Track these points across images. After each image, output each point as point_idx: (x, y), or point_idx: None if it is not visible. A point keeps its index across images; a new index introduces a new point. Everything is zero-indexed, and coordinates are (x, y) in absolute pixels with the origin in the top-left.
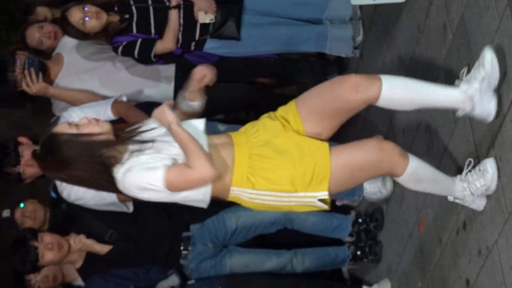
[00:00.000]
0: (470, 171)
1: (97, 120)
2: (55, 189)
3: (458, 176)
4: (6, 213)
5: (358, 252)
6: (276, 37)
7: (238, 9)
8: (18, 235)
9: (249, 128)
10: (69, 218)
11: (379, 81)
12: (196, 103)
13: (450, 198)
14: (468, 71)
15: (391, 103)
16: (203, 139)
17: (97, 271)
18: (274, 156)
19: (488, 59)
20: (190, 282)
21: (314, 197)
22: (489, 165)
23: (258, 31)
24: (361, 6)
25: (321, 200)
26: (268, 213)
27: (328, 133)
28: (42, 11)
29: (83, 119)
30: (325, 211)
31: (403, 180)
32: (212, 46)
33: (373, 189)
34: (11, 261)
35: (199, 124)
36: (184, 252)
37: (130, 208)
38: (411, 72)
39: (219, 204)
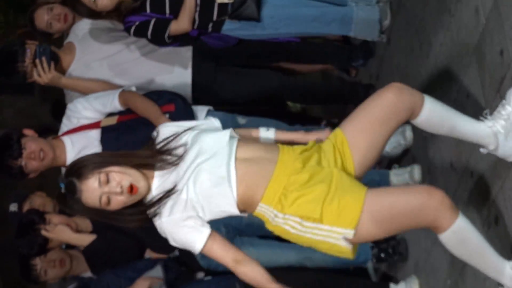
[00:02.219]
0: None
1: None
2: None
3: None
4: (13, 207)
5: (382, 255)
6: (299, 19)
7: None
8: (24, 218)
9: (299, 150)
10: None
11: (421, 94)
12: None
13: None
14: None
15: (430, 120)
16: (226, 155)
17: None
18: (312, 183)
19: None
20: (207, 278)
21: (339, 233)
22: None
23: (279, 12)
24: None
25: (346, 240)
26: None
27: (376, 152)
28: None
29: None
30: None
31: (445, 237)
32: (230, 27)
33: (400, 182)
34: (15, 254)
35: (224, 136)
36: None
37: None
38: (441, 58)
39: None
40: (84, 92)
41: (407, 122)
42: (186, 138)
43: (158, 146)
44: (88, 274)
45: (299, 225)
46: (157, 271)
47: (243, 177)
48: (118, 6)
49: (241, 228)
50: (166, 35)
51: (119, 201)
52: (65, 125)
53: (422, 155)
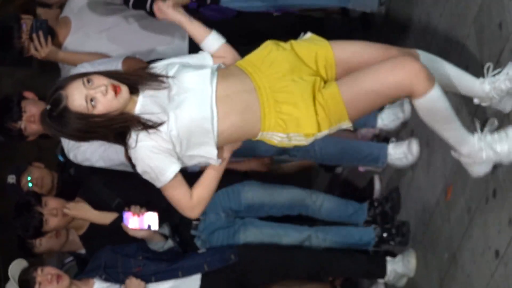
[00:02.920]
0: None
1: None
2: (62, 152)
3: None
4: (11, 179)
5: (385, 234)
6: None
7: None
8: (21, 199)
9: (261, 63)
10: (77, 183)
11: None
12: None
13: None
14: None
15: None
16: (207, 84)
17: (99, 240)
18: (298, 100)
19: None
20: (201, 250)
21: (339, 127)
22: None
23: None
24: None
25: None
26: (284, 196)
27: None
28: None
29: None
30: (340, 198)
31: (419, 104)
32: None
33: (399, 155)
34: (13, 227)
35: (206, 73)
36: (195, 222)
37: None
38: (440, 30)
39: (231, 175)
40: None
41: None
42: (171, 69)
43: (146, 72)
44: (83, 251)
45: (304, 138)
46: (163, 229)
47: (227, 116)
48: None
49: (240, 210)
50: None
51: (104, 102)
52: None
53: (420, 128)
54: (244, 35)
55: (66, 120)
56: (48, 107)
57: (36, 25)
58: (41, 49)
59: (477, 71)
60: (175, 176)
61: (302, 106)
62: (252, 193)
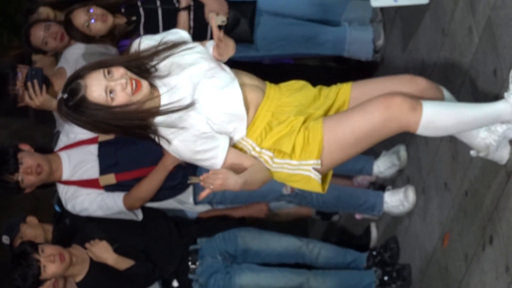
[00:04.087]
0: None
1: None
2: (59, 202)
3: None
4: (5, 240)
5: (386, 278)
6: (292, 40)
7: (251, 10)
8: (17, 249)
9: (286, 89)
10: (73, 231)
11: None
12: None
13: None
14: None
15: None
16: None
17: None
18: (289, 122)
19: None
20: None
21: (308, 165)
22: None
23: (273, 33)
24: (382, 8)
25: (316, 170)
26: (280, 244)
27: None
28: (45, 11)
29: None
30: (339, 246)
31: (422, 133)
32: None
33: (395, 203)
34: (11, 279)
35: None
36: (193, 266)
37: (139, 216)
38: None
39: (228, 221)
40: None
41: (401, 142)
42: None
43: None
44: None
45: (271, 160)
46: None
47: (246, 98)
48: (111, 31)
49: (237, 255)
50: None
51: (124, 95)
52: (62, 141)
53: (416, 175)
54: None
55: (83, 110)
56: (65, 95)
57: (31, 74)
58: (36, 98)
59: None
60: (229, 148)
61: (289, 129)
62: (249, 239)
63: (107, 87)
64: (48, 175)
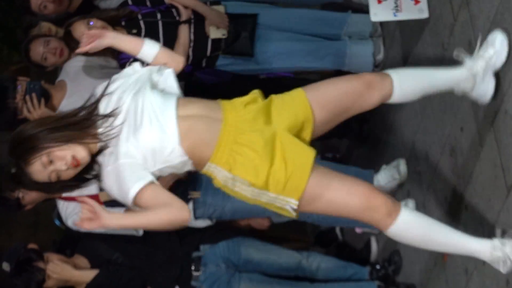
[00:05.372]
0: None
1: None
2: (59, 216)
3: None
4: (6, 267)
5: (378, 266)
6: (292, 54)
7: (251, 23)
8: (22, 255)
9: (242, 106)
10: (75, 241)
11: (389, 77)
12: None
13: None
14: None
15: (403, 96)
16: (171, 109)
17: None
18: (259, 147)
19: (499, 40)
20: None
21: (285, 200)
22: None
23: (273, 47)
24: (381, 23)
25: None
26: (281, 257)
27: (326, 129)
28: (46, 25)
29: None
30: (338, 260)
31: (388, 235)
32: (224, 62)
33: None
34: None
35: (166, 95)
36: (196, 273)
37: (139, 231)
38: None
39: (232, 229)
40: None
41: (401, 156)
42: (121, 97)
43: (89, 114)
44: None
45: (246, 187)
46: None
47: (188, 134)
48: None
49: (239, 264)
50: None
51: (68, 174)
52: None
53: (416, 189)
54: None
55: (33, 185)
56: (12, 170)
57: (30, 87)
58: (34, 111)
59: (473, 133)
60: (145, 186)
61: (259, 156)
62: (252, 250)
63: (50, 174)
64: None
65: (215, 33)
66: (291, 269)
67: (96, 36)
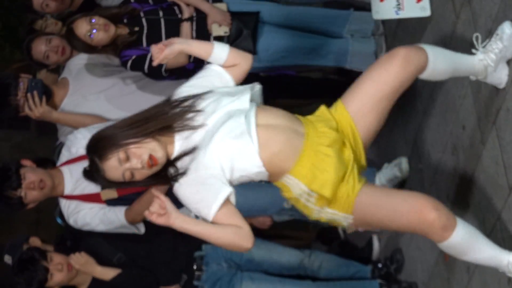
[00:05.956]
0: None
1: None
2: (61, 215)
3: None
4: (7, 259)
5: (379, 265)
6: (294, 51)
7: (253, 21)
8: (25, 254)
9: (318, 123)
10: (77, 240)
11: (424, 51)
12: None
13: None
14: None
15: (433, 73)
16: (251, 121)
17: None
18: (332, 165)
19: (508, 33)
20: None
21: (342, 216)
22: None
23: (275, 44)
24: (383, 21)
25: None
26: (284, 256)
27: (379, 125)
28: (53, 21)
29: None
30: (341, 258)
31: (441, 248)
32: None
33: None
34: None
35: (244, 100)
36: (197, 272)
37: (141, 229)
38: (437, 90)
39: None
40: (75, 126)
41: (403, 154)
42: (205, 102)
43: (176, 110)
44: None
45: (315, 202)
46: None
47: (267, 143)
48: (114, 41)
49: (241, 264)
50: (163, 69)
51: (142, 174)
52: (64, 156)
53: (418, 187)
54: None
55: (106, 183)
56: (87, 167)
57: (31, 85)
58: (35, 109)
59: (474, 131)
60: (224, 202)
61: (333, 173)
62: (253, 249)
63: (125, 172)
64: (50, 190)
65: (217, 30)
66: (293, 268)
67: (165, 45)
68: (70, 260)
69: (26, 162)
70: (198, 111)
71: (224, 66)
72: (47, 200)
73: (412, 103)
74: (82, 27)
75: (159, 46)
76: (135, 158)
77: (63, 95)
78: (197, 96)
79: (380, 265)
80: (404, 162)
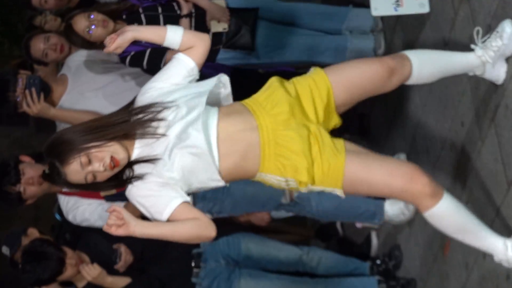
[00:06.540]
0: None
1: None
2: (59, 211)
3: None
4: (5, 250)
5: (378, 261)
6: (293, 48)
7: (253, 17)
8: (37, 245)
9: (265, 100)
10: (76, 237)
11: (409, 61)
12: None
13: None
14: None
15: (420, 79)
16: (212, 123)
17: None
18: (298, 147)
19: (508, 32)
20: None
21: (330, 191)
22: None
23: (274, 41)
24: (382, 18)
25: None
26: (283, 252)
27: (342, 110)
28: (53, 17)
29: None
30: (339, 255)
31: (426, 216)
32: (225, 56)
33: (395, 211)
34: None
35: (206, 110)
36: (196, 269)
37: None
38: (436, 86)
39: (232, 224)
40: (73, 123)
41: (402, 151)
42: (167, 112)
43: (137, 117)
44: None
45: (297, 185)
46: None
47: (227, 159)
48: None
49: (239, 260)
50: (162, 65)
51: (104, 176)
52: None
53: None
54: (240, 91)
55: (66, 184)
56: (46, 170)
57: (29, 82)
58: (33, 106)
59: (473, 127)
60: (177, 207)
61: (300, 155)
62: (252, 245)
63: (87, 175)
64: (49, 185)
65: (216, 27)
66: (292, 264)
67: (117, 34)
68: (82, 271)
69: (25, 158)
70: (160, 120)
71: (180, 49)
72: (46, 197)
73: (411, 99)
74: (80, 23)
75: (111, 35)
76: (97, 161)
77: (61, 92)
78: (160, 104)
79: (378, 262)
80: (402, 158)
